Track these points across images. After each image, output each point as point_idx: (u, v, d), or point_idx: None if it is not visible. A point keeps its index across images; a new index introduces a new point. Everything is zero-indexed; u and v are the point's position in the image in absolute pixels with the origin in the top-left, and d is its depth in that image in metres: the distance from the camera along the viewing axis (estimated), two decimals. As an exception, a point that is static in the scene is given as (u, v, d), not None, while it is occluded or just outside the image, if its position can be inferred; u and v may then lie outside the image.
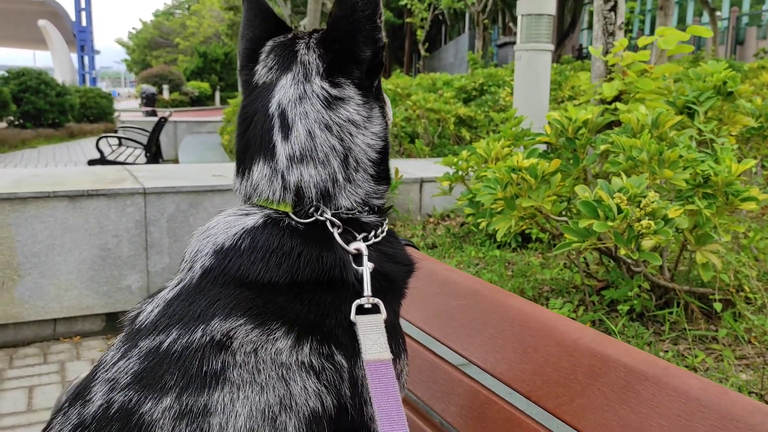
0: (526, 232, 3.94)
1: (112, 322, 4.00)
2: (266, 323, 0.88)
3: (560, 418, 1.02)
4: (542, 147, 3.19)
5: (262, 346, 0.87)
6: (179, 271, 0.98)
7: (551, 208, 2.51)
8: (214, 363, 0.85)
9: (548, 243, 3.94)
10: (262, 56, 1.06)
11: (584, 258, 3.28)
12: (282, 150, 0.98)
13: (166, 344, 0.87)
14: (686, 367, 2.43)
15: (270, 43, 1.08)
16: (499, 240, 2.74)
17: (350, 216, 1.00)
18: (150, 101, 20.41)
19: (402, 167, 5.07)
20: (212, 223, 1.00)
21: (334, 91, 1.00)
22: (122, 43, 59.67)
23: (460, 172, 4.10)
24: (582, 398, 1.02)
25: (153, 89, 22.91)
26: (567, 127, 2.71)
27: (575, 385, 1.04)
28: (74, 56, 33.32)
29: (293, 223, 0.97)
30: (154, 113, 17.39)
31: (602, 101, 3.79)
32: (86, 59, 33.59)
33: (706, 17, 19.77)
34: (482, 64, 18.08)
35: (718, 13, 19.44)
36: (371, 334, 0.91)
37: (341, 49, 1.01)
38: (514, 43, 6.37)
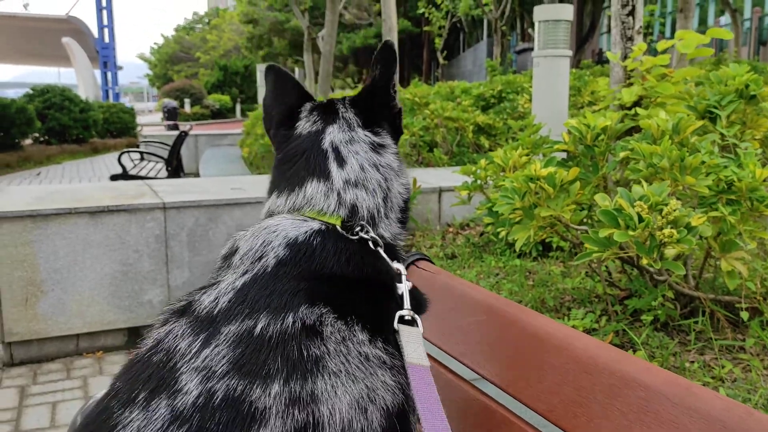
0: (547, 240, 3.90)
1: (133, 337, 4.02)
2: (346, 315, 0.92)
3: (580, 439, 0.99)
4: (561, 155, 3.15)
5: (348, 337, 0.90)
6: (232, 266, 1.00)
7: (571, 217, 2.47)
8: (313, 349, 0.86)
9: (569, 251, 3.89)
10: (303, 114, 1.20)
11: (606, 267, 3.23)
12: (337, 175, 1.09)
13: (258, 330, 0.86)
14: (713, 378, 2.37)
15: (308, 105, 1.22)
16: (518, 250, 2.71)
17: (387, 242, 1.09)
18: (172, 115, 20.63)
19: (420, 176, 5.06)
20: (274, 222, 1.04)
21: (376, 139, 1.16)
22: (144, 58, 60.55)
23: (479, 181, 4.07)
24: (601, 418, 0.99)
25: (174, 103, 23.17)
26: (585, 135, 2.68)
27: (594, 404, 1.01)
28: (97, 72, 33.86)
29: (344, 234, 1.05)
30: (175, 127, 17.57)
31: (622, 107, 3.74)
32: (109, 75, 34.12)
33: (727, 18, 19.52)
34: (501, 71, 18.04)
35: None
36: (413, 343, 0.95)
37: (370, 109, 1.19)
38: (532, 49, 6.34)
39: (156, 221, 4.06)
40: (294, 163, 1.12)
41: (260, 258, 0.97)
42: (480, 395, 1.22)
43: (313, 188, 1.07)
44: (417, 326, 0.99)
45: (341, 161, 1.10)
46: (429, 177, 5.50)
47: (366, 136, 1.15)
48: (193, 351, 0.84)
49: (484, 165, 3.99)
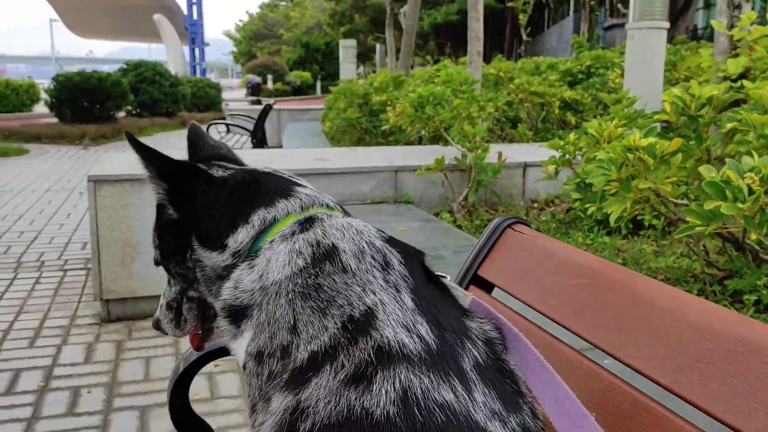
0: (638, 218, 3.75)
1: (221, 300, 4.15)
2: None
3: (696, 405, 0.94)
4: (658, 126, 3.01)
5: (489, 328, 0.92)
6: (349, 270, 0.89)
7: (671, 191, 2.36)
8: (503, 357, 0.88)
9: (662, 230, 3.73)
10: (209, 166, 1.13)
11: (704, 245, 3.08)
12: (308, 184, 1.08)
13: (479, 358, 0.84)
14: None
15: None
16: (612, 224, 2.61)
17: None
18: (255, 91, 21.08)
19: (505, 151, 4.97)
20: (344, 221, 0.98)
21: None
22: (230, 35, 62.00)
23: (567, 156, 3.95)
24: (720, 384, 0.94)
25: (258, 79, 23.63)
26: (689, 105, 2.54)
27: (712, 370, 0.95)
28: (186, 49, 34.94)
29: None
30: (258, 102, 17.96)
31: (726, 79, 3.54)
32: (197, 51, 35.14)
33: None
34: (588, 47, 17.40)
35: None
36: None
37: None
38: (622, 25, 6.08)
39: (244, 188, 4.16)
40: (259, 185, 1.05)
41: (387, 263, 0.90)
42: (584, 360, 1.18)
43: (306, 191, 1.04)
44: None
45: (299, 180, 1.09)
46: (513, 152, 5.39)
47: None
48: (468, 399, 0.77)
49: (573, 139, 3.87)
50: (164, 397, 3.13)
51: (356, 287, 0.86)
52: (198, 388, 3.11)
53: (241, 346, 0.93)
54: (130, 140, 1.02)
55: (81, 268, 5.17)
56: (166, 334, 1.18)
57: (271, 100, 11.69)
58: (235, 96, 30.92)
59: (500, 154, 4.58)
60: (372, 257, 0.90)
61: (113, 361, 3.48)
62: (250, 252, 0.97)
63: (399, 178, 4.86)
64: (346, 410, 0.74)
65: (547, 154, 4.28)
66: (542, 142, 6.08)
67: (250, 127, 9.87)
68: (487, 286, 1.55)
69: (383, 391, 0.74)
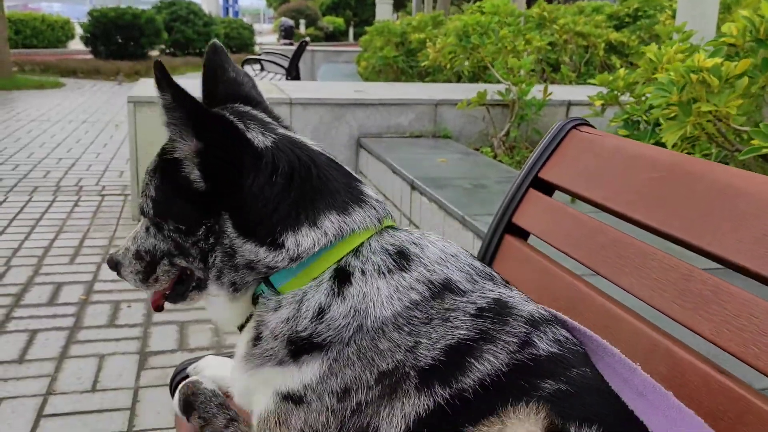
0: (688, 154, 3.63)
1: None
2: None
3: (791, 286, 0.89)
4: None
5: None
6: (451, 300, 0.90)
7: (735, 114, 2.25)
8: None
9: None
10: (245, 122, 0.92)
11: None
12: (365, 182, 1.04)
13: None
14: None
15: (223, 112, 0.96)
16: (669, 148, 2.51)
17: None
18: (288, 34, 20.84)
19: (549, 89, 4.82)
20: (440, 246, 0.95)
21: None
22: (263, -23, 60.98)
23: (616, 92, 3.82)
24: (818, 266, 0.88)
25: (291, 22, 23.33)
26: (758, 26, 2.40)
27: (809, 251, 0.89)
28: (219, -10, 34.52)
29: None
30: (291, 45, 17.77)
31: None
32: (230, -8, 34.70)
33: None
34: (632, -5, 16.77)
35: None
36: None
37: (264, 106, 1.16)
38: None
39: (282, 115, 4.11)
40: (320, 172, 0.91)
41: (492, 276, 0.97)
42: (656, 251, 1.12)
43: (370, 191, 0.99)
44: None
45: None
46: (557, 90, 5.23)
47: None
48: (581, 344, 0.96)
49: (624, 74, 3.73)
50: (202, 314, 3.17)
51: (475, 295, 0.90)
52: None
53: (293, 375, 0.84)
54: (159, 69, 0.81)
55: (118, 194, 5.22)
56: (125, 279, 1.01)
57: (306, 38, 11.52)
58: (267, 40, 30.60)
59: (546, 88, 4.45)
60: (479, 275, 0.94)
61: (152, 279, 3.52)
62: (311, 261, 0.85)
63: (438, 112, 4.76)
64: (511, 364, 0.84)
65: (592, 93, 4.14)
66: (585, 85, 5.90)
67: (285, 65, 9.77)
68: (548, 189, 1.50)
69: (543, 344, 0.87)
